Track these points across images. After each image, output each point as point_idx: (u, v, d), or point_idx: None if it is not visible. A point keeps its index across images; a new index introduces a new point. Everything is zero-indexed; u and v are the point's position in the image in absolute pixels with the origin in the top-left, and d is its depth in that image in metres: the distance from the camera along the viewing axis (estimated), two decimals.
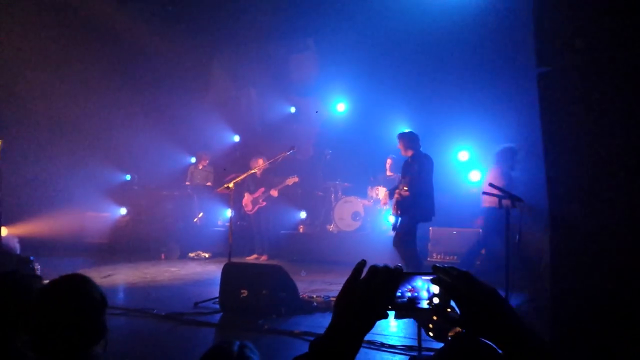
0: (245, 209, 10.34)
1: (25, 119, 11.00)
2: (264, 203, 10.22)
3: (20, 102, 10.90)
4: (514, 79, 8.97)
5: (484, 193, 4.00)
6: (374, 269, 1.23)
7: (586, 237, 3.34)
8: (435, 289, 1.21)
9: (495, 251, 7.09)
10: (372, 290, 1.20)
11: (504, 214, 3.96)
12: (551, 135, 3.36)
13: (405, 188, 7.14)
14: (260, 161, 9.92)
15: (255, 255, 10.35)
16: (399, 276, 1.23)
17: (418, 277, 1.25)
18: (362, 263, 1.27)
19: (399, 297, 1.23)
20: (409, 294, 1.23)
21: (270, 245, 10.48)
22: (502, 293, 4.35)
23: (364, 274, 1.25)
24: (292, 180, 10.05)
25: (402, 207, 7.09)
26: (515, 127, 8.84)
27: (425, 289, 1.22)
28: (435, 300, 1.21)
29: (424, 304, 1.22)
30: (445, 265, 1.24)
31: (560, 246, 3.52)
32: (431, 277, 1.23)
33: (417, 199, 6.97)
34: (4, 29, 9.96)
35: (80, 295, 1.88)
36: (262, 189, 10.16)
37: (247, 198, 10.24)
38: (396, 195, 7.21)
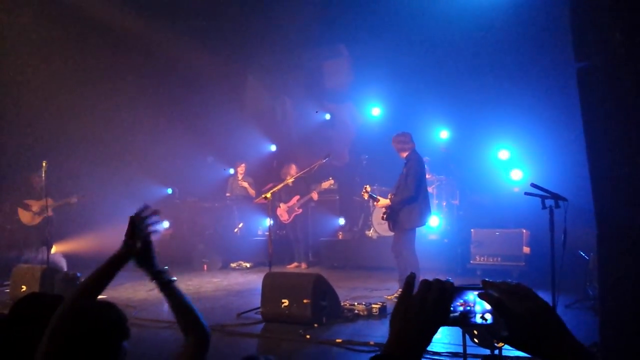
0: (281, 219, 10.37)
1: (69, 137, 11.35)
2: (300, 210, 10.25)
3: (63, 122, 11.26)
4: (553, 74, 8.75)
5: (527, 194, 3.89)
6: (427, 283, 1.20)
7: (634, 237, 3.21)
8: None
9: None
10: (428, 306, 1.17)
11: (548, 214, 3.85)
12: (593, 132, 3.25)
13: (390, 196, 7.01)
14: (293, 167, 10.00)
15: (295, 264, 10.39)
16: (452, 290, 1.20)
17: (470, 291, 1.21)
18: (412, 276, 1.24)
19: (452, 311, 1.20)
20: (460, 308, 1.20)
21: (309, 253, 10.47)
22: (550, 294, 4.21)
23: (415, 288, 1.23)
24: (327, 184, 10.01)
25: (392, 217, 6.92)
26: (556, 123, 8.64)
27: (478, 304, 1.19)
28: (488, 316, 1.17)
29: (478, 319, 1.18)
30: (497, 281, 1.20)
31: (608, 246, 3.40)
32: (479, 292, 1.19)
33: (408, 205, 6.78)
34: (44, 52, 10.31)
35: (99, 322, 1.85)
36: (297, 197, 10.19)
37: (282, 208, 10.27)
38: (382, 209, 7.06)
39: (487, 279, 1.19)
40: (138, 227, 2.06)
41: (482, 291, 1.17)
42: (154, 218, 2.07)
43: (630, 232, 3.18)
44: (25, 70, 10.35)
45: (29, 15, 9.99)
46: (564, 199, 3.74)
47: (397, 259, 7.01)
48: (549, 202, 3.74)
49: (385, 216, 7.00)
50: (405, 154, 6.92)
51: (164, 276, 2.05)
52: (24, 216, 9.15)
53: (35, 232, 8.95)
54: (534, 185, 3.77)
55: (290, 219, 10.31)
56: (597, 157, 3.15)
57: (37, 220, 8.97)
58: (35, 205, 9.11)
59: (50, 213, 8.92)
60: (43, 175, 7.54)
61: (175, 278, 2.07)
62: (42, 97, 10.60)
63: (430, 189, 9.59)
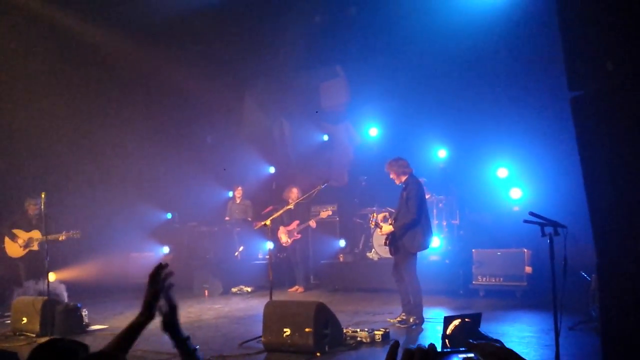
0: (281, 242, 10.37)
1: (67, 163, 11.39)
2: (299, 236, 10.27)
3: (61, 148, 11.32)
4: (551, 91, 8.78)
5: (525, 221, 3.88)
6: (409, 352, 1.19)
7: (634, 265, 3.19)
8: None
9: None
10: None
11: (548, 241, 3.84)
12: (588, 161, 3.24)
13: (390, 222, 7.01)
14: (294, 190, 10.03)
15: (296, 287, 10.38)
16: (434, 357, 1.18)
17: (454, 355, 1.20)
18: (396, 345, 1.23)
19: None
20: None
21: (309, 276, 10.42)
22: (552, 316, 4.17)
23: (399, 357, 1.21)
24: (325, 214, 10.11)
25: (394, 242, 6.90)
26: (554, 140, 8.66)
27: None
28: None
29: None
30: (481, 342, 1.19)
31: (608, 275, 3.37)
32: (465, 356, 1.18)
33: (412, 230, 6.75)
34: (39, 86, 10.41)
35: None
36: (297, 222, 10.20)
37: (281, 230, 10.28)
38: (383, 235, 7.07)
39: (471, 341, 1.18)
40: (159, 287, 2.04)
41: (467, 355, 1.16)
42: (169, 277, 2.04)
43: (631, 263, 3.16)
44: (25, 99, 10.44)
45: (27, 44, 10.10)
46: (563, 226, 3.74)
47: (398, 283, 6.98)
48: (548, 229, 3.74)
49: (387, 242, 6.98)
50: (404, 178, 6.91)
51: (189, 344, 2.00)
52: (9, 247, 8.99)
53: (23, 264, 8.82)
54: (532, 214, 3.77)
55: (290, 243, 10.32)
56: (594, 188, 3.14)
57: (22, 252, 8.85)
58: (23, 237, 9.01)
59: (35, 247, 8.85)
60: (42, 206, 7.48)
61: (198, 346, 2.01)
62: (40, 125, 10.67)
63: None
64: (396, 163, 6.95)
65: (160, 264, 2.08)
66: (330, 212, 10.14)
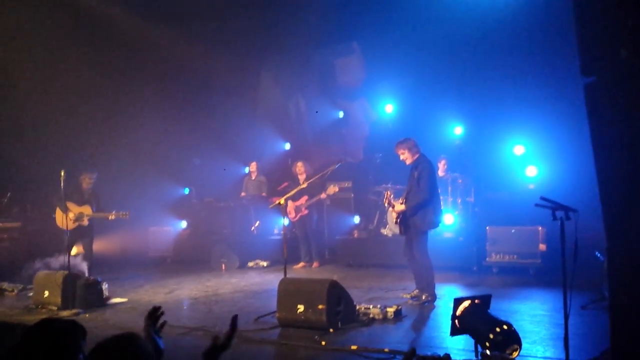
0: (289, 216, 10.47)
1: (85, 144, 11.59)
2: (306, 211, 10.36)
3: (82, 125, 11.51)
4: (568, 68, 8.62)
5: (537, 205, 3.91)
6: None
7: None
8: None
9: None
10: None
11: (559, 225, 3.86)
12: (601, 146, 3.25)
13: (401, 202, 7.03)
14: (299, 165, 10.21)
15: (302, 264, 10.46)
16: None
17: None
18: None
19: None
20: None
21: (324, 251, 10.51)
22: (560, 299, 4.20)
23: None
24: (332, 190, 10.11)
25: (405, 221, 6.95)
26: (571, 117, 8.55)
27: None
28: None
29: None
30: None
31: (617, 257, 3.41)
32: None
33: (424, 208, 6.79)
34: (63, 68, 10.55)
35: (129, 356, 1.95)
36: (306, 197, 10.27)
37: (290, 206, 10.32)
38: (394, 214, 7.12)
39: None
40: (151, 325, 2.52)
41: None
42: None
43: (638, 241, 3.19)
44: (45, 78, 10.61)
45: (53, 28, 10.21)
46: (575, 210, 3.75)
47: (410, 262, 7.06)
48: (559, 213, 3.76)
49: (398, 220, 7.04)
50: (415, 157, 6.93)
51: None
52: (59, 218, 8.94)
53: (69, 236, 8.94)
54: (543, 199, 3.79)
55: (297, 218, 10.43)
56: (605, 173, 3.16)
57: (72, 226, 8.80)
58: (75, 210, 9.02)
59: (85, 222, 8.99)
60: (62, 184, 7.59)
61: None
62: (59, 104, 10.85)
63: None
64: (407, 142, 6.97)
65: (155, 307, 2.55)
66: (337, 189, 10.14)
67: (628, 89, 3.06)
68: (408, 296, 7.01)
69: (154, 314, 2.58)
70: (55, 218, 9.08)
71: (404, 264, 7.61)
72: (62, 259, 7.85)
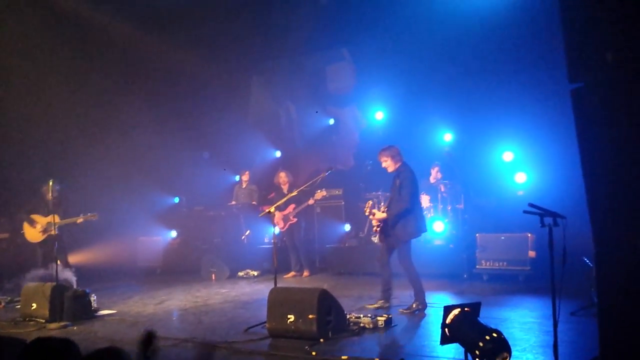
0: (278, 226, 10.41)
1: (73, 152, 11.50)
2: (295, 220, 10.32)
3: (66, 137, 11.42)
4: (556, 75, 8.68)
5: (525, 212, 3.90)
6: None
7: (631, 254, 3.22)
8: None
9: None
10: None
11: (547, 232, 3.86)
12: (587, 152, 3.25)
13: (383, 210, 7.02)
14: (282, 175, 10.30)
15: (292, 273, 10.40)
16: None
17: None
18: None
19: None
20: None
21: (314, 259, 10.45)
22: (550, 306, 4.20)
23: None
24: (320, 195, 10.06)
25: (385, 230, 6.92)
26: (560, 124, 8.59)
27: None
28: None
29: None
30: None
31: (605, 262, 3.40)
32: None
33: (404, 218, 6.75)
34: (48, 72, 10.48)
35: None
36: (293, 206, 10.23)
37: (278, 216, 10.24)
38: (375, 222, 7.04)
39: None
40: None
41: None
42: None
43: (627, 252, 3.18)
44: (33, 86, 10.53)
45: (40, 33, 10.15)
46: (563, 217, 3.75)
47: (382, 268, 7.12)
48: (548, 220, 3.75)
49: (378, 228, 7.01)
50: (397, 165, 6.91)
51: None
52: (29, 232, 9.06)
53: (41, 249, 8.88)
54: (531, 205, 3.78)
55: (285, 227, 10.38)
56: (592, 178, 3.16)
57: (42, 237, 8.89)
58: (41, 222, 9.07)
59: (54, 231, 8.94)
60: (49, 192, 7.57)
61: None
62: (48, 112, 10.76)
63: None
64: (390, 150, 6.93)
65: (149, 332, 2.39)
66: (325, 193, 10.09)
67: (614, 94, 3.06)
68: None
69: (149, 340, 2.42)
70: (24, 233, 9.10)
71: (394, 272, 7.53)
72: (49, 271, 7.81)
